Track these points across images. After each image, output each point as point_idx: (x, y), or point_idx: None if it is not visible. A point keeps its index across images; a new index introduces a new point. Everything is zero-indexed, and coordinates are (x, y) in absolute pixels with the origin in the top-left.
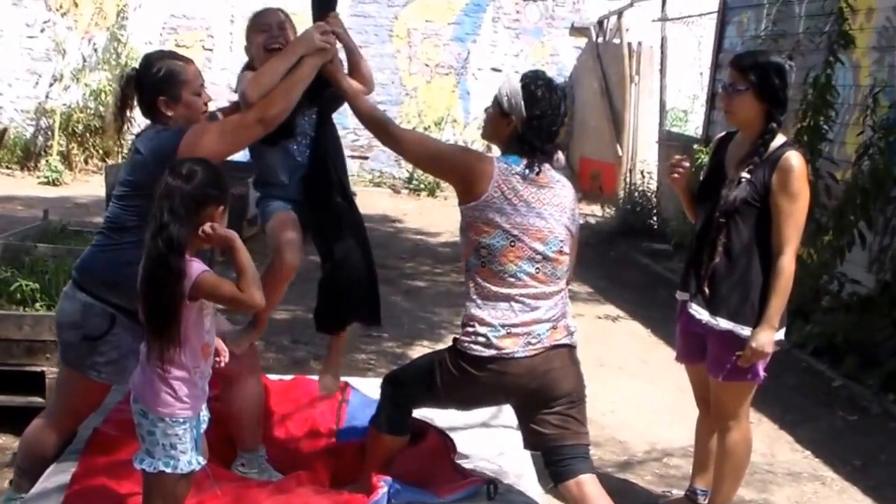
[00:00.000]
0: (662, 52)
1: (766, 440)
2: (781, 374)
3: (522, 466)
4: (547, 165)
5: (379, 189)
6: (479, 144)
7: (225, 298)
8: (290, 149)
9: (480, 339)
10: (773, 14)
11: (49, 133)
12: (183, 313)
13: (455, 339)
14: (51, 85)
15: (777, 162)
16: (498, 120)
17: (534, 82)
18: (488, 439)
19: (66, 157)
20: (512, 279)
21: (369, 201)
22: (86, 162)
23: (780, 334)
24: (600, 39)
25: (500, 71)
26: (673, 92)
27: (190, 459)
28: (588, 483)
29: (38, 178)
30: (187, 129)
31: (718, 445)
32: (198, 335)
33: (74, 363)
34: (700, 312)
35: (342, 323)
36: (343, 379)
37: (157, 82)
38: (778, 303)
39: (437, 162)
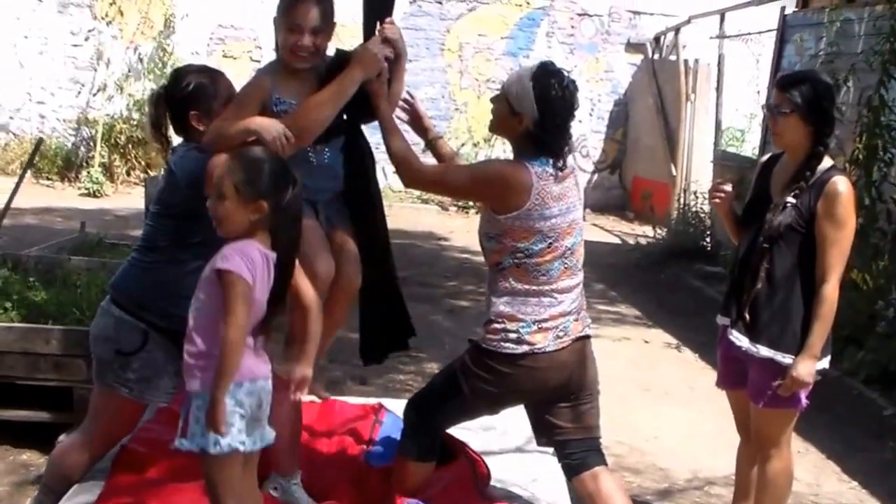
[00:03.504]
0: (719, 70)
1: (812, 470)
2: (831, 403)
3: (556, 494)
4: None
5: (426, 206)
6: None
7: None
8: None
9: (511, 335)
10: (833, 33)
11: (91, 144)
12: None
13: (475, 342)
14: (94, 95)
15: (823, 187)
16: (507, 117)
17: (545, 79)
18: (522, 466)
19: (107, 169)
20: (544, 277)
21: (416, 218)
22: (128, 174)
23: (824, 363)
24: (656, 56)
25: None
26: (730, 111)
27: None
28: (604, 475)
29: (79, 189)
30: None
31: (759, 474)
32: None
33: (107, 379)
34: (740, 339)
35: (383, 353)
36: (378, 400)
37: (186, 97)
38: (820, 331)
39: (479, 187)
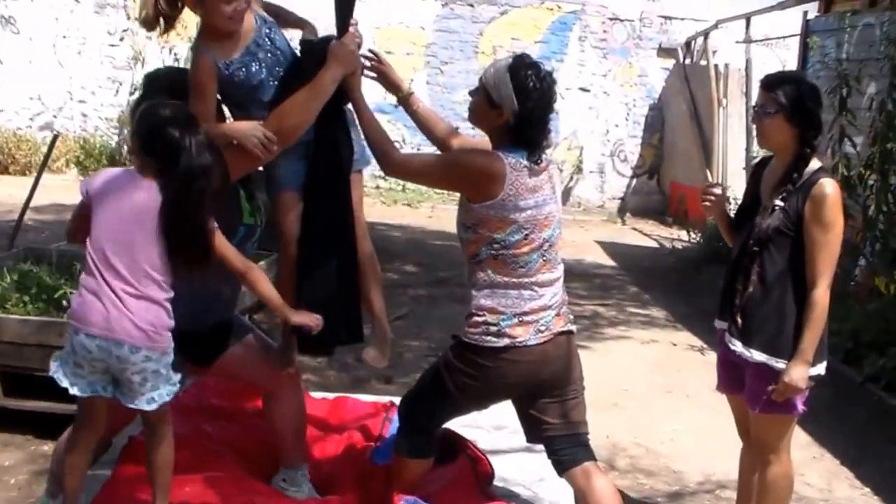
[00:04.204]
0: (747, 75)
1: (825, 475)
2: (850, 409)
3: (561, 494)
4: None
5: None
6: (567, 165)
7: None
8: None
9: (492, 328)
10: (854, 37)
11: None
12: None
13: (458, 337)
14: (131, 94)
15: (810, 189)
16: (486, 110)
17: (522, 71)
18: (527, 465)
19: None
20: (523, 269)
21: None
22: None
23: (819, 368)
24: (688, 61)
25: (588, 91)
26: None
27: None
28: (595, 471)
29: None
30: None
31: (759, 479)
32: None
33: None
34: (734, 343)
35: (324, 346)
36: (389, 399)
37: None
38: (811, 336)
39: (454, 176)
